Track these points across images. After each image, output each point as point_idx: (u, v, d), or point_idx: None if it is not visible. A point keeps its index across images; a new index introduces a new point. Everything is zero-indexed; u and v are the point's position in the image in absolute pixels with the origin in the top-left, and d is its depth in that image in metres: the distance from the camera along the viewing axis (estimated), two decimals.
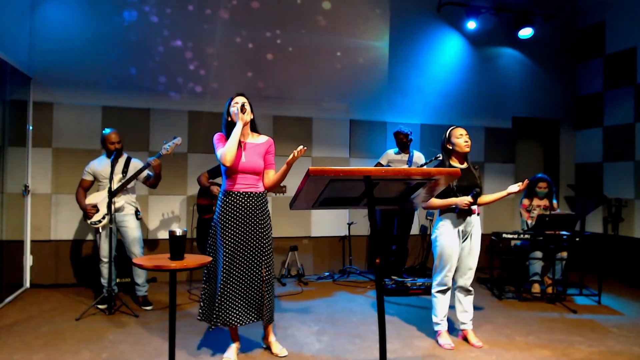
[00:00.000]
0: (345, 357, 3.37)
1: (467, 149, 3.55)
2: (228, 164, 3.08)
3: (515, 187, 3.57)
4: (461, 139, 3.54)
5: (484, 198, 3.70)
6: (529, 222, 5.33)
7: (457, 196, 3.48)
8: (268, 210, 3.29)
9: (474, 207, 3.55)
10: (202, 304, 3.26)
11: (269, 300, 3.24)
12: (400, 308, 4.62)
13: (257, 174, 3.22)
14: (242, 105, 3.12)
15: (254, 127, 3.30)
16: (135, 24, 5.49)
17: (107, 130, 4.46)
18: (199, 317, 3.26)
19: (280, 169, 3.19)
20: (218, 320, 3.12)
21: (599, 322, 4.24)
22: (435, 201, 3.51)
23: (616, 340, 3.77)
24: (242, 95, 3.26)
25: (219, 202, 3.23)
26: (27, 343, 3.51)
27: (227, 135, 3.17)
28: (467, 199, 3.42)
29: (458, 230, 3.54)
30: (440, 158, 3.69)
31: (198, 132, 5.72)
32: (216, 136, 3.24)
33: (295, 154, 2.96)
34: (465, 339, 3.69)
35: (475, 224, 3.59)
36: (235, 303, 3.14)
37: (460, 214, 3.51)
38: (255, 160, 3.19)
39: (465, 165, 3.60)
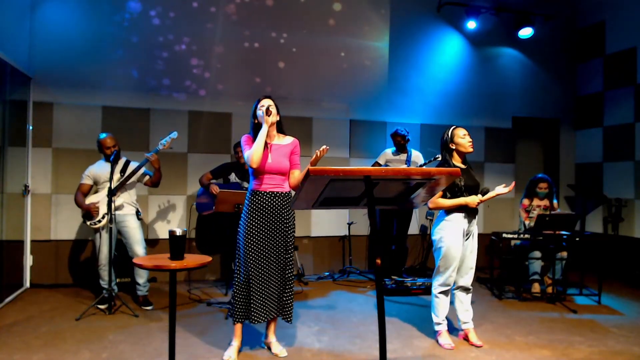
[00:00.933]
0: (345, 357, 3.37)
1: (472, 149, 3.56)
2: (255, 166, 3.18)
3: (501, 189, 3.55)
4: (465, 139, 3.55)
5: None
6: (527, 222, 5.34)
7: (464, 196, 3.48)
8: (293, 211, 3.38)
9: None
10: (237, 304, 3.27)
11: (290, 298, 3.34)
12: (400, 308, 4.62)
13: (283, 174, 3.31)
14: (267, 108, 3.18)
15: (280, 128, 3.37)
16: (136, 24, 5.49)
17: (102, 135, 4.47)
18: (235, 320, 3.28)
19: (304, 168, 3.22)
20: (238, 317, 3.24)
21: (599, 322, 4.24)
22: (444, 202, 3.50)
23: (616, 340, 3.77)
24: (268, 97, 3.32)
25: (246, 201, 3.31)
26: (27, 343, 3.51)
27: (254, 137, 3.26)
28: (479, 198, 3.44)
29: (463, 230, 3.55)
30: (440, 159, 3.69)
31: (198, 132, 5.72)
32: (243, 138, 3.34)
33: (318, 154, 3.08)
34: (466, 338, 3.69)
35: (475, 223, 3.61)
36: (259, 300, 3.21)
37: (469, 214, 3.52)
38: (281, 160, 3.27)
39: (465, 165, 3.61)
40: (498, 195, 3.58)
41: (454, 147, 3.58)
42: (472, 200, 3.46)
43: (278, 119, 3.31)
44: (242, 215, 3.33)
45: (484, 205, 5.13)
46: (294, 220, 3.38)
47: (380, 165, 5.64)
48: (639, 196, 6.13)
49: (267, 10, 5.91)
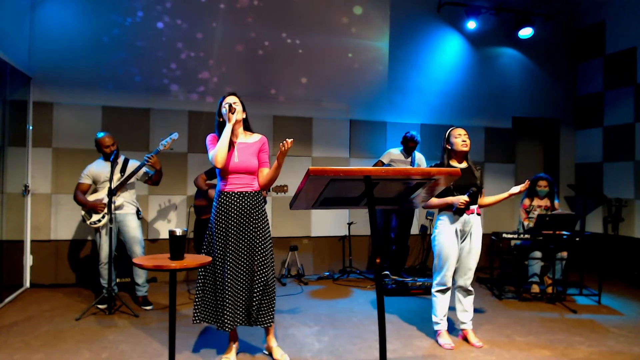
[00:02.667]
0: (345, 357, 3.37)
1: (465, 149, 3.57)
2: (219, 166, 3.08)
3: (517, 189, 3.59)
4: (459, 138, 3.57)
5: (486, 199, 3.71)
6: (526, 223, 5.34)
7: (454, 195, 3.49)
8: (265, 210, 3.25)
9: (473, 207, 3.55)
10: (196, 305, 3.21)
11: (266, 303, 3.19)
12: (401, 308, 4.62)
13: (252, 173, 3.19)
14: (230, 105, 3.10)
15: (247, 126, 3.27)
16: (136, 24, 5.49)
17: (100, 134, 4.44)
18: (193, 319, 3.22)
19: (272, 163, 3.16)
20: (205, 319, 3.18)
21: (599, 322, 4.24)
22: (433, 200, 3.53)
23: (616, 340, 3.77)
24: (233, 94, 3.23)
25: (214, 203, 3.21)
26: (27, 343, 3.50)
27: (219, 136, 3.16)
28: (464, 197, 3.44)
29: (456, 230, 3.55)
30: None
31: (198, 132, 5.71)
32: (208, 137, 3.23)
33: (283, 148, 2.94)
34: (465, 339, 3.69)
35: (474, 224, 3.59)
36: (227, 306, 3.08)
37: (456, 213, 3.53)
38: (248, 159, 3.16)
39: (465, 165, 3.62)
40: (512, 195, 3.59)
41: (450, 147, 3.62)
42: (457, 199, 3.47)
43: (244, 116, 3.22)
44: (210, 217, 3.23)
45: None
46: (267, 219, 3.25)
47: (383, 164, 5.64)
48: (639, 196, 6.13)
49: (267, 10, 5.91)
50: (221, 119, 3.20)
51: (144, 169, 4.43)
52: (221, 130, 3.16)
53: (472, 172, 3.59)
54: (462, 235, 3.59)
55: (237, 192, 3.15)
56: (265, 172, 3.21)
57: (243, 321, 3.17)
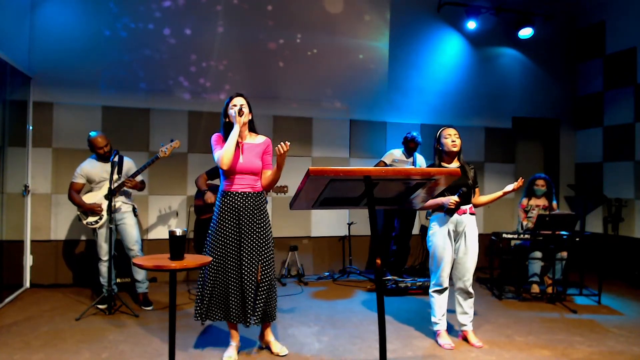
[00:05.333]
0: (345, 357, 3.37)
1: (454, 149, 3.58)
2: (225, 167, 3.10)
3: (510, 187, 3.58)
4: (448, 139, 3.59)
5: (481, 199, 3.71)
6: (524, 223, 5.34)
7: (444, 195, 3.49)
8: (266, 211, 3.29)
9: (464, 207, 3.55)
10: (197, 304, 3.25)
11: (272, 300, 3.25)
12: (400, 308, 4.62)
13: (255, 174, 3.23)
14: (240, 109, 3.13)
15: (252, 127, 3.30)
16: (136, 24, 5.49)
17: (93, 134, 4.41)
18: (195, 317, 3.25)
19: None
20: (207, 315, 3.19)
21: (599, 322, 4.24)
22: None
23: (616, 340, 3.77)
24: (240, 95, 3.25)
25: (217, 203, 3.24)
26: (27, 343, 3.51)
27: (225, 137, 3.18)
28: (453, 198, 3.44)
29: (448, 230, 3.55)
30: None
31: (198, 132, 5.72)
32: (214, 137, 3.25)
33: (281, 150, 2.96)
34: (466, 339, 3.69)
35: (467, 224, 3.57)
36: (224, 301, 3.17)
37: (447, 213, 3.53)
38: (253, 160, 3.19)
39: (456, 165, 3.62)
40: (506, 194, 3.58)
41: (440, 148, 3.63)
42: (447, 199, 3.47)
43: (250, 117, 3.24)
44: (213, 217, 3.27)
45: (483, 207, 5.12)
46: (269, 220, 3.31)
47: (385, 164, 5.64)
48: (639, 196, 6.13)
49: (268, 10, 5.91)
50: (227, 120, 3.22)
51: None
52: (227, 130, 3.19)
53: (465, 171, 3.59)
54: (456, 235, 3.59)
55: (241, 192, 3.18)
56: (268, 174, 3.26)
57: (244, 319, 3.18)
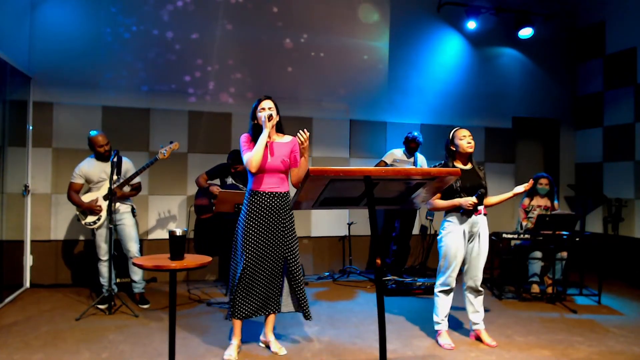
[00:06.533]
0: (345, 357, 3.37)
1: (470, 150, 3.57)
2: (253, 170, 3.19)
3: (520, 188, 3.58)
4: (464, 140, 3.57)
5: (490, 200, 3.70)
6: (524, 223, 5.33)
7: (461, 197, 3.49)
8: (292, 211, 3.37)
9: (480, 208, 3.55)
10: (234, 302, 3.25)
11: (304, 295, 3.36)
12: (401, 308, 4.62)
13: (283, 173, 3.30)
14: (270, 115, 3.18)
15: (279, 127, 3.36)
16: (136, 24, 5.48)
17: (93, 133, 4.42)
18: (230, 316, 3.27)
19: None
20: (237, 313, 3.22)
21: (599, 322, 4.24)
22: (439, 202, 3.53)
23: (616, 340, 3.77)
24: (269, 98, 3.30)
25: (245, 201, 3.30)
26: (27, 343, 3.50)
27: (254, 138, 3.26)
28: (472, 199, 3.43)
29: (464, 231, 3.55)
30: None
31: (198, 132, 5.72)
32: (243, 138, 3.32)
33: (303, 140, 3.07)
34: (478, 338, 3.69)
35: (481, 225, 3.59)
36: (255, 298, 3.24)
37: (464, 214, 3.52)
38: (280, 159, 3.26)
39: (469, 167, 3.61)
40: (516, 195, 3.58)
41: (454, 149, 3.61)
42: (465, 201, 3.46)
43: (278, 119, 3.30)
44: (240, 215, 3.33)
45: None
46: (293, 219, 3.38)
47: (386, 164, 5.63)
48: (639, 196, 6.13)
49: (268, 11, 5.91)
50: (255, 122, 3.28)
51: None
52: (255, 132, 3.27)
53: (477, 173, 3.59)
54: (470, 236, 3.59)
55: (269, 192, 3.26)
56: (297, 170, 3.32)
57: (273, 310, 3.33)
